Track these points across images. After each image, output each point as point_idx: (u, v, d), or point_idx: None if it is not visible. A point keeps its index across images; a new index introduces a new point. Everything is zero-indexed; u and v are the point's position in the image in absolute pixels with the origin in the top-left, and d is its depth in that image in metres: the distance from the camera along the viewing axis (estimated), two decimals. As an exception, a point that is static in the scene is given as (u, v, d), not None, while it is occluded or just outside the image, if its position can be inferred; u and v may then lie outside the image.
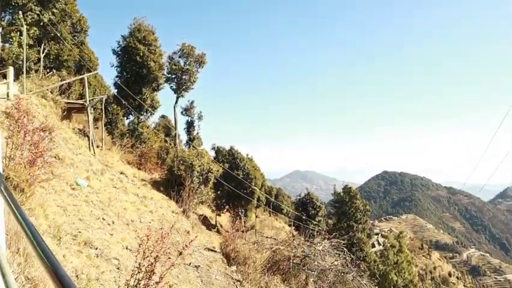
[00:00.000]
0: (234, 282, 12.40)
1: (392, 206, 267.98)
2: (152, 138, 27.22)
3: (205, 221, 27.13)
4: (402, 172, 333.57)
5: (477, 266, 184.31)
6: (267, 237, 16.92)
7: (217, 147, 43.01)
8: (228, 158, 36.68)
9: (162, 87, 26.55)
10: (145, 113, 26.32)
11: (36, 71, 22.42)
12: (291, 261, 14.74)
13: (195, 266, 11.92)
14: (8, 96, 12.59)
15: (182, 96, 25.40)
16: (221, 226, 40.67)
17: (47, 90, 15.08)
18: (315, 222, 42.04)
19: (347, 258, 15.65)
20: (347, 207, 38.52)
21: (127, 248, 9.53)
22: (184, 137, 37.13)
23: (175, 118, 26.15)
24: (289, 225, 47.67)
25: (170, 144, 27.33)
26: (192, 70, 24.51)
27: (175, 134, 26.85)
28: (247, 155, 46.59)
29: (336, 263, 14.95)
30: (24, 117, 7.06)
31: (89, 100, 16.10)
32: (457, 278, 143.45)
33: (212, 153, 39.75)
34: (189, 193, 17.12)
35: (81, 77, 16.21)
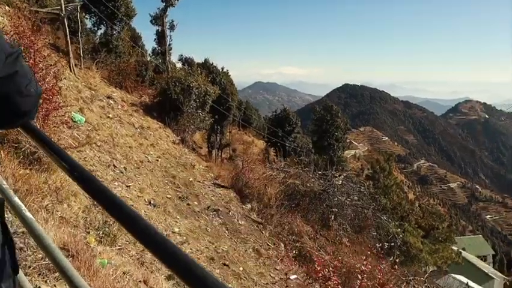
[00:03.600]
0: (257, 226, 11.06)
1: (351, 119, 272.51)
2: (128, 52, 24.09)
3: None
4: (363, 85, 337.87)
5: (425, 175, 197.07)
6: (277, 169, 15.43)
7: (185, 58, 39.64)
8: (203, 72, 34.06)
9: (138, -8, 22.88)
10: (118, 23, 22.89)
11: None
12: (308, 197, 13.48)
13: (215, 210, 10.37)
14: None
15: (172, 5, 21.73)
16: (194, 143, 39.16)
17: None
18: (290, 139, 41.28)
19: (365, 191, 14.58)
20: (328, 126, 37.58)
21: (150, 204, 7.73)
22: (149, 47, 33.89)
23: (163, 32, 22.83)
24: (266, 142, 46.80)
25: (147, 57, 24.37)
26: (183, -27, 20.70)
27: (165, 50, 23.64)
28: (222, 68, 43.69)
29: (355, 197, 13.84)
30: (30, 47, 4.69)
31: (65, 8, 12.99)
32: (408, 187, 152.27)
33: (179, 65, 36.82)
34: (187, 119, 15.10)
35: (54, -23, 12.89)
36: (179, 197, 9.69)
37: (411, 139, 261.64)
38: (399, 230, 14.67)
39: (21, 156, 3.97)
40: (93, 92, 12.51)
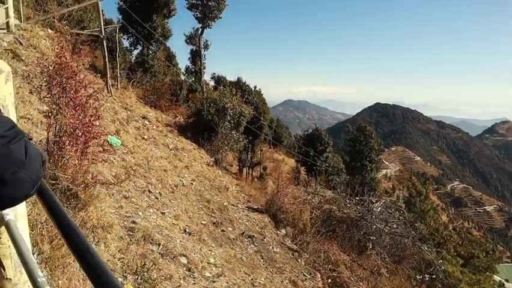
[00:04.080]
0: (292, 254, 10.62)
1: (383, 138, 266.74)
2: (163, 71, 24.36)
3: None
4: (395, 104, 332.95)
5: (460, 197, 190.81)
6: (312, 193, 14.99)
7: (218, 76, 39.89)
8: (237, 93, 34.10)
9: (174, 13, 23.14)
10: (155, 43, 23.25)
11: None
12: (345, 223, 12.96)
13: (249, 237, 10.03)
14: (8, 26, 9.61)
15: (208, 26, 21.73)
16: (226, 162, 38.98)
17: (53, 18, 12.04)
18: (322, 159, 40.59)
19: (404, 218, 13.92)
20: (362, 147, 36.81)
21: (185, 232, 7.46)
22: (182, 65, 34.42)
23: (200, 52, 22.84)
24: (297, 161, 46.29)
25: (181, 76, 24.50)
26: (220, -4, 20.58)
27: (200, 70, 23.71)
28: (254, 87, 43.69)
29: (393, 225, 13.21)
30: (72, 78, 4.56)
31: (104, 29, 13.12)
32: (442, 208, 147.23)
33: (212, 83, 37.14)
34: (221, 140, 14.92)
35: (94, 0, 13.02)
36: (214, 223, 9.41)
37: (444, 160, 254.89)
38: (440, 261, 13.87)
39: (58, 194, 3.77)
40: (129, 113, 12.52)
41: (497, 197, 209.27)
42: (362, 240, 12.83)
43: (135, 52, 24.55)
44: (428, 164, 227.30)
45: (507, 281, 30.53)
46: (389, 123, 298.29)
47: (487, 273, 24.14)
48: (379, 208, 13.11)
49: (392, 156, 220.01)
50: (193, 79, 31.16)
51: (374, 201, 13.65)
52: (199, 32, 22.30)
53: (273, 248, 10.31)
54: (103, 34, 12.93)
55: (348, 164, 38.73)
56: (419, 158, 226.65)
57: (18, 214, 1.66)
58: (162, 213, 7.53)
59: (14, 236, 1.47)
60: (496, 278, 26.21)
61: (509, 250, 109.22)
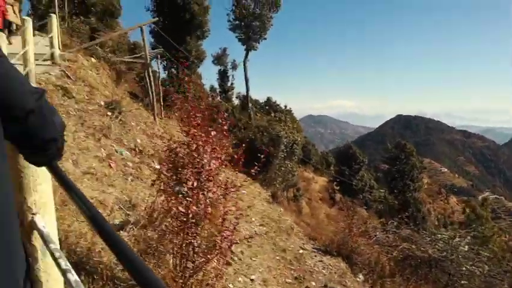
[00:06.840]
0: (380, 309, 9.05)
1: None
2: (198, 95, 23.24)
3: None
4: (417, 116, 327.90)
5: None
6: (384, 229, 13.37)
7: (243, 95, 38.81)
8: (267, 110, 32.83)
9: (207, 35, 22.13)
10: (189, 66, 22.27)
11: (62, 18, 18.11)
12: (426, 264, 11.27)
13: (333, 291, 8.50)
14: (53, 57, 8.46)
15: (253, 48, 20.35)
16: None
17: (97, 46, 10.94)
18: (358, 177, 38.79)
19: (495, 254, 12.15)
20: (403, 165, 34.87)
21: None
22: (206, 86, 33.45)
23: (245, 76, 21.57)
24: (330, 180, 44.57)
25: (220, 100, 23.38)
26: (265, 15, 19.22)
27: (247, 95, 22.45)
28: (285, 106, 42.44)
29: (485, 266, 11.43)
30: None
31: (148, 56, 11.94)
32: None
33: (236, 102, 36.25)
34: (276, 172, 13.51)
35: (139, 25, 11.83)
36: (296, 278, 7.93)
37: (472, 170, 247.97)
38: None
39: None
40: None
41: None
42: (450, 284, 11.10)
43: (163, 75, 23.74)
44: (456, 175, 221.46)
45: None
46: (412, 135, 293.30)
47: None
48: (466, 247, 11.35)
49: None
50: (220, 100, 30.13)
51: (453, 236, 11.95)
52: (244, 55, 20.90)
53: (361, 303, 8.78)
54: (148, 60, 11.76)
55: (389, 183, 36.79)
56: (446, 170, 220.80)
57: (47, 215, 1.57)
58: (251, 280, 6.12)
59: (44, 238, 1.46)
60: None
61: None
